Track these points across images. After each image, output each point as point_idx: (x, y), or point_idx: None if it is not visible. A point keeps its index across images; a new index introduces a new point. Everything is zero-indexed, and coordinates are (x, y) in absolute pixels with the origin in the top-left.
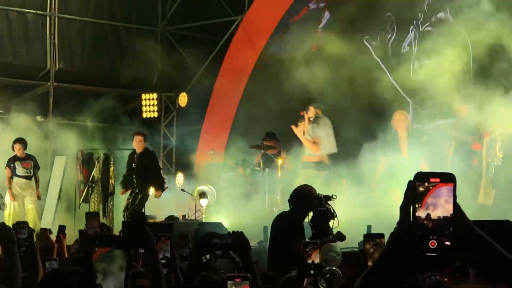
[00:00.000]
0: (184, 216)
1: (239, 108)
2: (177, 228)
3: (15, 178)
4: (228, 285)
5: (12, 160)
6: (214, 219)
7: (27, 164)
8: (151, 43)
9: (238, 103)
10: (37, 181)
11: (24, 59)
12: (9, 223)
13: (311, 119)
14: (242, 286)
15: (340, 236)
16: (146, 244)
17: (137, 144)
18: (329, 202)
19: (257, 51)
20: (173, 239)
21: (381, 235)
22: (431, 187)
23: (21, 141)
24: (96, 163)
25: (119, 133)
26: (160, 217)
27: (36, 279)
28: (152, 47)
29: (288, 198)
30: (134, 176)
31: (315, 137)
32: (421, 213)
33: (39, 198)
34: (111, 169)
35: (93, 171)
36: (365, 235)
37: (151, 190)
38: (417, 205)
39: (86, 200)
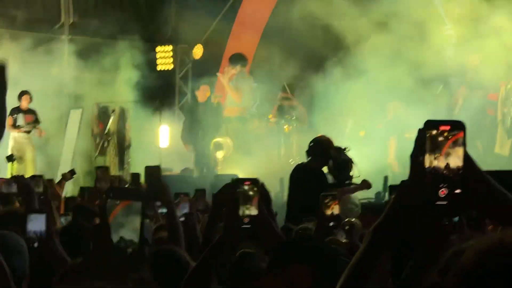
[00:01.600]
0: (201, 169)
1: (254, 58)
2: (193, 181)
3: (15, 134)
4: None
5: (16, 111)
6: (230, 171)
7: (29, 118)
8: None
9: (254, 53)
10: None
11: (39, 12)
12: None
13: (236, 72)
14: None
15: (367, 184)
16: (163, 196)
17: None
18: (346, 152)
19: (271, 2)
20: (189, 192)
21: None
22: (437, 135)
23: (28, 93)
24: (112, 116)
25: (134, 86)
26: (176, 170)
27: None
28: None
29: (306, 149)
30: None
31: (238, 87)
32: (431, 162)
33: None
34: (127, 122)
35: (109, 124)
36: (390, 186)
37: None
38: (427, 153)
39: (102, 153)
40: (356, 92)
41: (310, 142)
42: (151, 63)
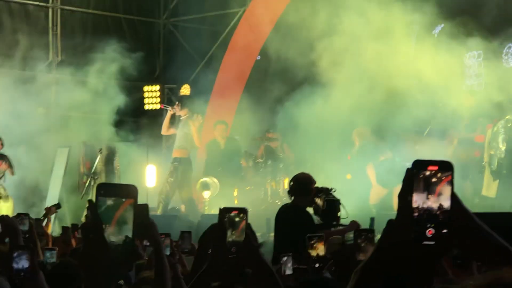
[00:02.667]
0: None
1: (241, 100)
2: (179, 220)
3: None
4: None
5: None
6: (216, 211)
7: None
8: (153, 35)
9: (241, 95)
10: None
11: (26, 50)
12: None
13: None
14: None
15: (355, 225)
16: (150, 235)
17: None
18: (333, 193)
19: (259, 43)
20: (175, 232)
21: (372, 231)
22: (426, 176)
23: None
24: (99, 155)
25: (121, 125)
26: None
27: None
28: (154, 39)
29: (288, 189)
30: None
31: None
32: (418, 201)
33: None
34: (115, 161)
35: (96, 163)
36: (355, 232)
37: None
38: (414, 193)
39: (88, 192)
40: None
41: (290, 181)
42: (139, 102)
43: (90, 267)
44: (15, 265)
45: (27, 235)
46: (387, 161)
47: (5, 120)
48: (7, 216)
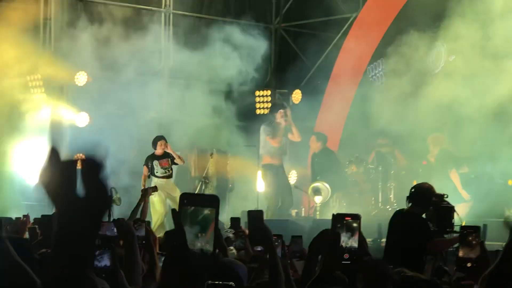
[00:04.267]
0: (297, 213)
1: (353, 105)
2: (290, 224)
3: (154, 179)
4: None
5: (150, 159)
6: (328, 216)
7: (165, 163)
8: (265, 40)
9: (352, 100)
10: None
11: (139, 55)
12: (151, 218)
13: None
14: None
15: None
16: (265, 241)
17: (311, 144)
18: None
19: (371, 48)
20: (286, 237)
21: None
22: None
23: (163, 138)
24: (211, 159)
25: (233, 130)
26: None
27: (154, 274)
28: (266, 44)
29: (407, 195)
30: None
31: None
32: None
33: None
34: (228, 165)
35: (207, 167)
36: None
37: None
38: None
39: None
40: None
41: (412, 189)
42: (251, 106)
43: (173, 275)
44: (97, 263)
45: (144, 241)
46: (463, 175)
47: (115, 124)
48: (123, 219)
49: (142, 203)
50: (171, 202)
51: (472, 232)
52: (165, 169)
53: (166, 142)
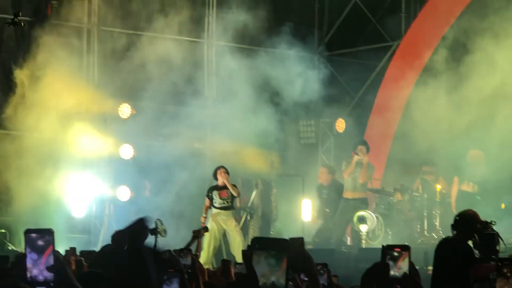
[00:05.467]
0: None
1: (397, 133)
2: (337, 253)
3: (213, 210)
4: None
5: (211, 189)
6: (373, 244)
7: (224, 194)
8: (310, 69)
9: (396, 128)
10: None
11: (185, 86)
12: (207, 249)
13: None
14: None
15: None
16: (306, 267)
17: (321, 175)
18: (492, 225)
19: (414, 75)
20: (334, 265)
21: None
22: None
23: (224, 167)
24: (255, 189)
25: (276, 159)
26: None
27: None
28: (311, 72)
29: (452, 223)
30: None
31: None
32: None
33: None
34: (273, 195)
35: (252, 197)
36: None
37: None
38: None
39: (245, 226)
40: None
41: (456, 216)
42: (295, 136)
43: None
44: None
45: (189, 270)
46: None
47: (160, 156)
48: (170, 251)
49: (195, 242)
50: (227, 232)
51: (508, 264)
52: (224, 199)
53: (226, 171)
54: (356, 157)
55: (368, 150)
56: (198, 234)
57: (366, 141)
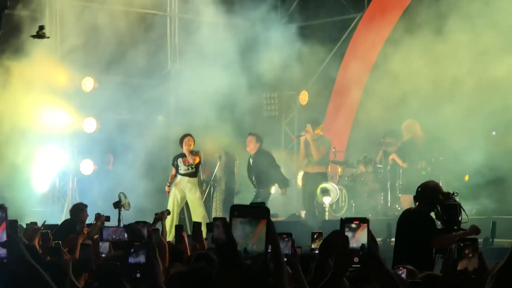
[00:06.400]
0: (306, 214)
1: (360, 105)
2: (300, 226)
3: (178, 176)
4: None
5: (176, 157)
6: (338, 216)
7: (188, 161)
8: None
9: (359, 100)
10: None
11: (148, 60)
12: (172, 215)
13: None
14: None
15: (476, 230)
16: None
17: (249, 144)
18: (454, 197)
19: (376, 48)
20: (297, 237)
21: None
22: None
23: (190, 135)
24: (218, 161)
25: (241, 132)
26: (283, 215)
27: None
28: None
29: (414, 194)
30: (253, 178)
31: (320, 146)
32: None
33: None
34: (236, 168)
35: (215, 170)
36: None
37: (273, 189)
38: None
39: (208, 199)
40: None
41: (418, 188)
42: (259, 108)
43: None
44: (131, 260)
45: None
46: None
47: (123, 129)
48: (134, 224)
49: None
50: (188, 202)
51: (469, 244)
52: (189, 166)
53: (192, 139)
54: (302, 138)
55: (317, 125)
56: (161, 217)
57: (316, 118)
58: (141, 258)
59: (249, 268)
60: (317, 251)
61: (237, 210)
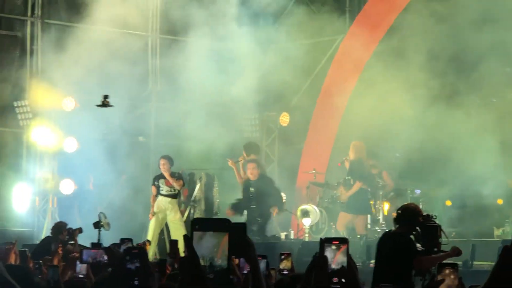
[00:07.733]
0: (286, 235)
1: (341, 126)
2: (280, 247)
3: (159, 197)
4: None
5: (157, 178)
6: (317, 238)
7: (170, 183)
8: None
9: (339, 122)
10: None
11: (129, 80)
12: (152, 234)
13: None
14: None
15: (457, 251)
16: (247, 252)
17: (250, 171)
18: (433, 219)
19: (358, 69)
20: (275, 259)
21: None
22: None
23: (166, 157)
24: (199, 182)
25: (219, 153)
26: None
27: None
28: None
29: (394, 217)
30: (252, 203)
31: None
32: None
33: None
34: (215, 189)
35: (195, 191)
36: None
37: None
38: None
39: (188, 220)
40: None
41: (398, 210)
42: (238, 130)
43: None
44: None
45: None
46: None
47: (104, 149)
48: (114, 246)
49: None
50: (168, 223)
51: (450, 268)
52: (171, 187)
53: (168, 162)
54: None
55: (248, 151)
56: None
57: (248, 143)
58: (138, 264)
59: (212, 282)
60: (285, 272)
61: (198, 224)
